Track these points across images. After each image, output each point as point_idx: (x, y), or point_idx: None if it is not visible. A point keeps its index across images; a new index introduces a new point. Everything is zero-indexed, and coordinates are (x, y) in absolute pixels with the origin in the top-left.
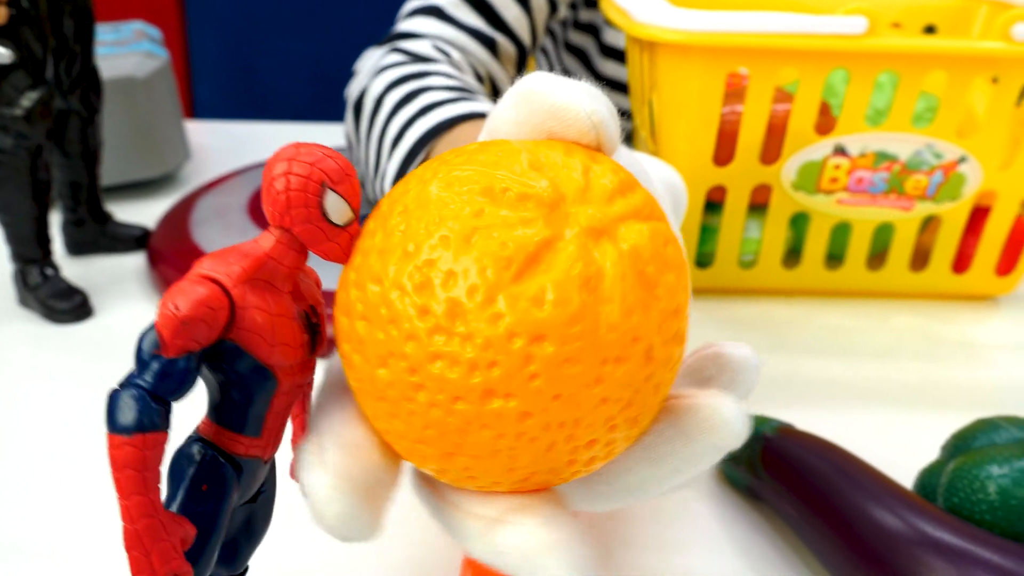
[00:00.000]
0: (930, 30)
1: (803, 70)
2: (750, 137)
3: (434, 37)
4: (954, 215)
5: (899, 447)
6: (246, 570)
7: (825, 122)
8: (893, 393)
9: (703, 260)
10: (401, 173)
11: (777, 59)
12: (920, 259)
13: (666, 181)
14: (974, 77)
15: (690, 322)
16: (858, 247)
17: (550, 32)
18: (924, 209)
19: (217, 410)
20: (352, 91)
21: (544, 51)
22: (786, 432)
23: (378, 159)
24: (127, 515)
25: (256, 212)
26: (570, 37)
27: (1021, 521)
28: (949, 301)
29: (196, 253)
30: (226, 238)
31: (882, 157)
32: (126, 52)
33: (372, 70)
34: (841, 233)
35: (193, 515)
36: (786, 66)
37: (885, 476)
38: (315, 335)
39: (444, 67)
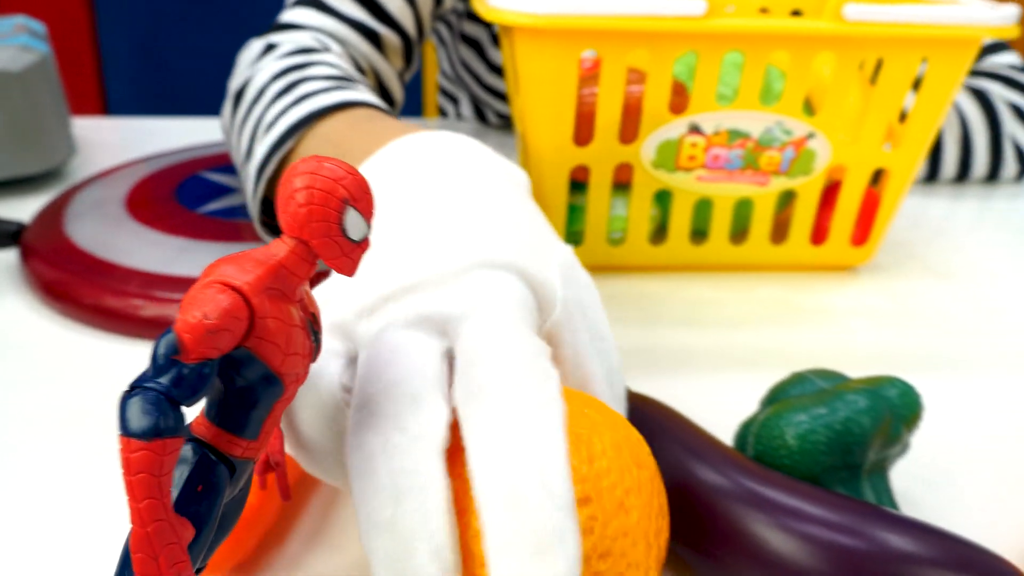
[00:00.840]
0: (796, 14)
1: (651, 51)
2: (607, 117)
3: (315, 29)
4: (808, 189)
5: (749, 408)
6: (203, 568)
7: (682, 102)
8: (750, 358)
9: (574, 238)
10: (267, 159)
11: (625, 41)
12: (780, 233)
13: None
14: (815, 56)
15: None
16: (720, 222)
17: (446, 22)
18: (779, 184)
19: (217, 412)
20: (233, 83)
21: (441, 41)
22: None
23: (251, 144)
24: (138, 518)
25: (134, 206)
26: (465, 28)
27: (817, 464)
28: (810, 272)
29: (69, 248)
30: (100, 232)
31: (735, 135)
32: (2, 46)
33: (251, 61)
34: (704, 209)
35: (187, 515)
36: (635, 47)
37: (707, 434)
38: (317, 343)
39: (327, 56)
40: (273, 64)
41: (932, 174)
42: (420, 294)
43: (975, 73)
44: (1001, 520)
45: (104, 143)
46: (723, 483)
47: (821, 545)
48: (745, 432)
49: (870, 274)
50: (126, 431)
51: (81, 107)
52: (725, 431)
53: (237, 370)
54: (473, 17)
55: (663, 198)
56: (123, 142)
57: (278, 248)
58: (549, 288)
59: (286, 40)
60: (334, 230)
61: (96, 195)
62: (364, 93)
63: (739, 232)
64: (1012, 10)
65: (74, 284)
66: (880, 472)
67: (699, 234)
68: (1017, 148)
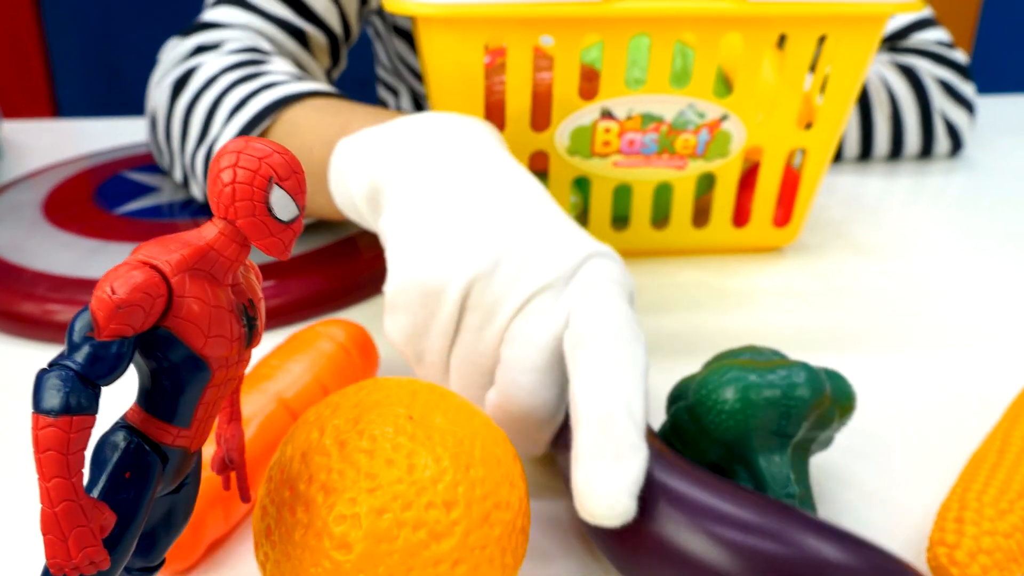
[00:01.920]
0: None
1: (557, 37)
2: (517, 105)
3: (241, 27)
4: (726, 171)
5: (662, 390)
6: (162, 562)
7: (593, 87)
8: (675, 344)
9: None
10: (242, 134)
11: (529, 27)
12: (702, 216)
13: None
14: (721, 36)
15: None
16: (641, 207)
17: (381, 15)
18: (697, 167)
19: (147, 397)
20: (156, 75)
21: (378, 34)
22: None
23: (205, 129)
24: (46, 497)
25: (51, 210)
26: (398, 20)
27: (750, 424)
28: (734, 255)
29: None
30: (14, 237)
31: (648, 119)
32: None
33: (182, 57)
34: (624, 195)
35: (114, 502)
36: (539, 34)
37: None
38: (252, 329)
39: (275, 58)
40: (224, 58)
41: (865, 152)
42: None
43: (903, 50)
44: (926, 492)
45: (34, 146)
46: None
47: (738, 549)
48: (684, 385)
49: (796, 254)
50: (37, 408)
51: (30, 110)
52: (653, 417)
53: (160, 351)
54: None
55: (583, 185)
56: (54, 145)
57: (208, 230)
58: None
59: (228, 39)
60: (259, 209)
61: (15, 199)
62: (329, 87)
63: (661, 217)
64: None
65: None
66: (803, 452)
67: (620, 220)
68: (948, 124)
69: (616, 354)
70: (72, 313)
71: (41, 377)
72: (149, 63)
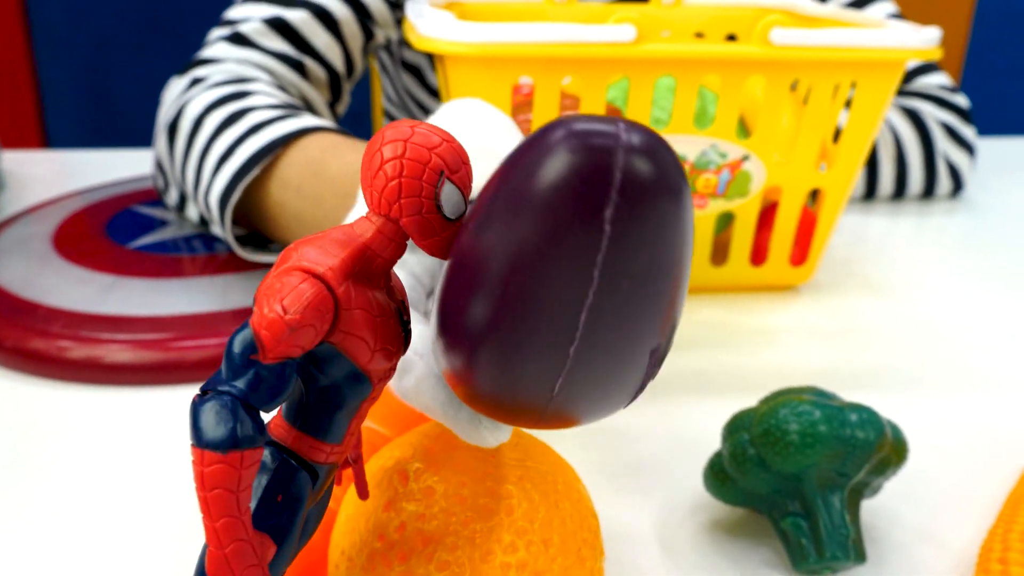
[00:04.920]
0: (732, 38)
1: (583, 77)
2: None
3: (237, 62)
4: (746, 211)
5: (701, 430)
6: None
7: None
8: (696, 381)
9: None
10: (229, 187)
11: (557, 67)
12: (720, 254)
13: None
14: (745, 79)
15: None
16: None
17: (387, 50)
18: (717, 206)
19: (299, 414)
20: (161, 118)
21: (384, 67)
22: None
23: (198, 178)
24: (215, 539)
25: (61, 244)
26: (405, 55)
27: (812, 458)
28: (751, 293)
29: None
30: (25, 271)
31: None
32: None
33: (177, 95)
34: None
35: (267, 528)
36: (567, 73)
37: None
38: (407, 334)
39: (260, 86)
40: (205, 94)
41: (870, 192)
42: None
43: (907, 93)
44: (951, 530)
45: (35, 177)
46: None
47: None
48: (747, 416)
49: (811, 293)
50: (200, 442)
51: (19, 140)
52: (679, 454)
53: (320, 368)
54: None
55: None
56: (56, 176)
57: (363, 227)
58: None
59: (214, 72)
60: (428, 206)
61: (23, 232)
62: (317, 119)
63: None
64: (934, 32)
65: None
66: (857, 496)
67: None
68: (950, 165)
69: None
70: (88, 351)
71: (200, 407)
72: (140, 93)
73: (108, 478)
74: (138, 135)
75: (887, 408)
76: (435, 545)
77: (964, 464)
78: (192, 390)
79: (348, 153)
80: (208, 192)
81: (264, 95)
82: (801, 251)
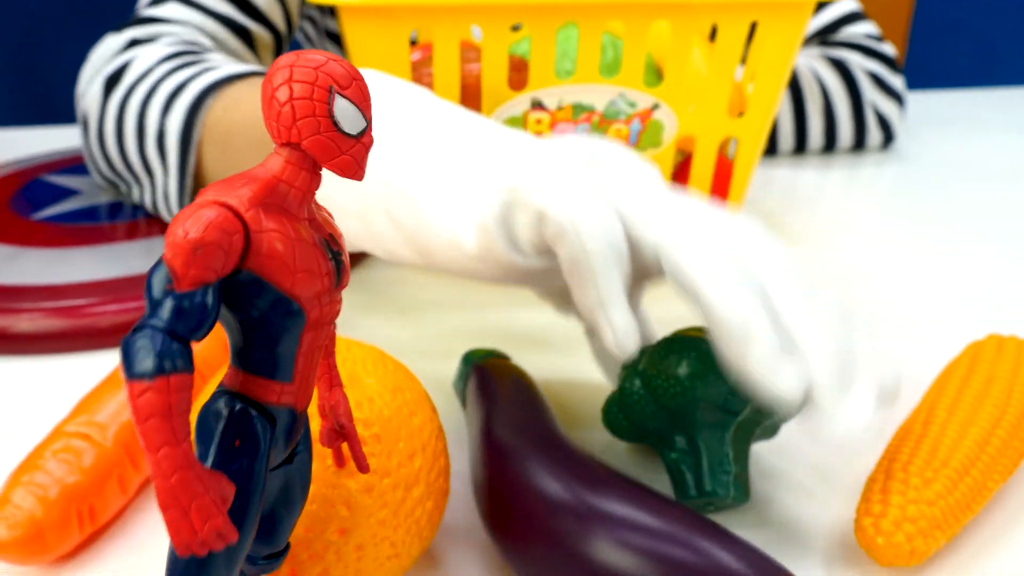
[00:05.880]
0: None
1: (483, 26)
2: (446, 96)
3: (182, 23)
4: (660, 161)
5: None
6: (287, 547)
7: (522, 78)
8: None
9: None
10: (187, 125)
11: (454, 17)
12: None
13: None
14: (648, 25)
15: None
16: None
17: (310, 19)
18: None
19: (242, 356)
20: (87, 73)
21: (308, 37)
22: (492, 364)
23: (142, 123)
24: (158, 470)
25: None
26: (329, 24)
27: (699, 393)
28: None
29: None
30: None
31: (579, 109)
32: None
33: (115, 52)
34: None
35: (229, 474)
36: (465, 23)
37: (557, 433)
38: (339, 265)
39: (214, 53)
40: (159, 49)
41: (800, 146)
42: None
43: (833, 44)
44: (859, 471)
45: None
46: (558, 492)
47: (645, 554)
48: (639, 354)
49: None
50: (129, 374)
51: None
52: (581, 396)
53: (247, 299)
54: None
55: None
56: None
57: (273, 161)
58: None
59: (157, 33)
60: (324, 124)
61: None
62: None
63: None
64: None
65: None
66: (746, 434)
67: None
68: (879, 115)
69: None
70: None
71: (128, 342)
72: (76, 70)
73: (22, 448)
74: (72, 112)
75: None
76: None
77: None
78: (111, 355)
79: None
80: (163, 134)
81: (215, 54)
82: (720, 201)
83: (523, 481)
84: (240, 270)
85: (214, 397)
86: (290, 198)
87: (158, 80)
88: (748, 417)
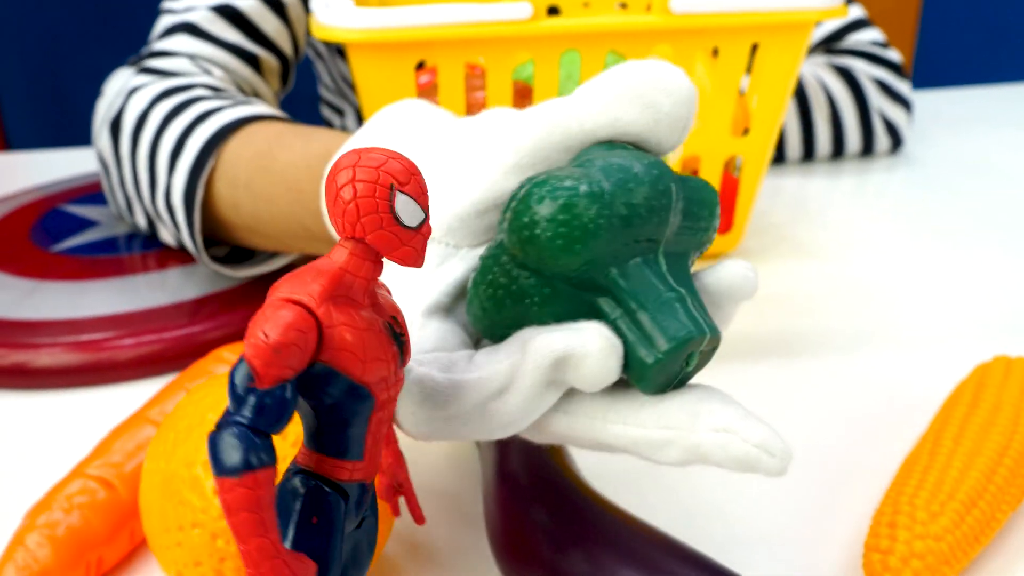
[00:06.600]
0: (623, 6)
1: (486, 56)
2: None
3: (190, 55)
4: None
5: None
6: None
7: (526, 104)
8: None
9: None
10: (191, 183)
11: (457, 48)
12: None
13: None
14: (650, 50)
15: None
16: None
17: None
18: None
19: (315, 438)
20: (101, 111)
21: (318, 54)
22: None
23: (152, 176)
24: (250, 560)
25: None
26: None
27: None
28: None
29: None
30: None
31: None
32: None
33: (123, 90)
34: None
35: (307, 550)
36: (469, 54)
37: (569, 470)
38: (402, 345)
39: (204, 79)
40: (150, 88)
41: (808, 154)
42: None
43: (839, 51)
44: (863, 495)
45: None
46: (569, 533)
47: None
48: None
49: (740, 259)
50: (219, 471)
51: None
52: None
53: (321, 388)
54: None
55: None
56: (4, 179)
57: (338, 254)
58: None
59: (163, 66)
60: (387, 220)
61: None
62: (265, 107)
63: None
64: None
65: None
66: (682, 261)
67: None
68: (886, 121)
69: None
70: (12, 357)
71: (215, 440)
72: (98, 91)
73: (41, 484)
74: None
75: (813, 373)
76: None
77: (883, 426)
78: (130, 389)
79: (295, 141)
80: (169, 193)
81: (206, 87)
82: (726, 218)
83: (534, 521)
84: (315, 363)
85: (287, 476)
86: (355, 288)
87: (155, 135)
88: (675, 236)
